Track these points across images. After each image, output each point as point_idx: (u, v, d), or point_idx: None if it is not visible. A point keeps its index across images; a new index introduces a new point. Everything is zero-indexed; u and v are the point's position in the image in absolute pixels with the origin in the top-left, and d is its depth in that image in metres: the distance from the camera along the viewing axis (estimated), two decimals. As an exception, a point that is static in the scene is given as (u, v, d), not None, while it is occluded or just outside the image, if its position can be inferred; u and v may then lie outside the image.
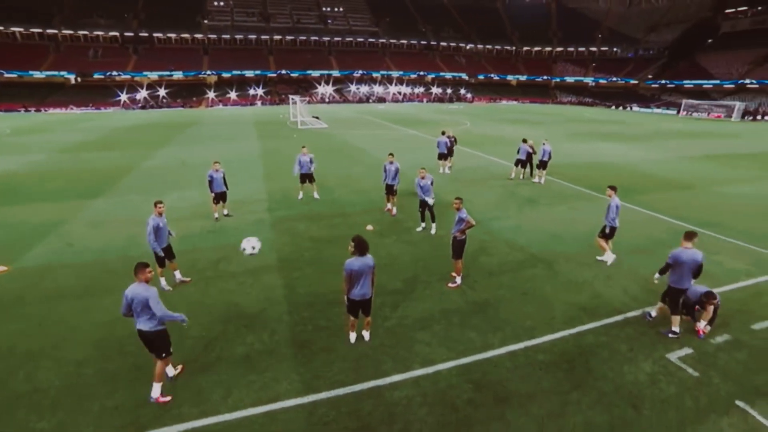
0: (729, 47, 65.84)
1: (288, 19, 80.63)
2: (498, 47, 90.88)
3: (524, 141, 16.51)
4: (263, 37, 76.30)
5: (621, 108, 65.79)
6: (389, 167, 11.84)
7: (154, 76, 65.48)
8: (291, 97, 42.29)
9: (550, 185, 15.86)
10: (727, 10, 70.60)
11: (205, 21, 74.52)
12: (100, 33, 67.41)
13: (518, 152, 16.48)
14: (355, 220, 11.63)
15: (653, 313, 6.93)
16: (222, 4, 78.57)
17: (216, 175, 11.09)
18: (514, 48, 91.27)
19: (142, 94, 60.07)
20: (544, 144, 16.42)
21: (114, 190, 14.80)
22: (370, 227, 10.95)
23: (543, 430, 4.72)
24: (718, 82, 61.46)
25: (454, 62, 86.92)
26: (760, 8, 65.87)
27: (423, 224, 10.92)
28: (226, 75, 69.70)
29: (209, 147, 23.60)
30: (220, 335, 6.36)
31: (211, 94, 62.74)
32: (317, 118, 38.06)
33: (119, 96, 58.00)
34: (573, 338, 6.41)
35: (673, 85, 67.65)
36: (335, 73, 74.61)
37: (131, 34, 69.46)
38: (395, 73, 78.16)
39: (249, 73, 69.76)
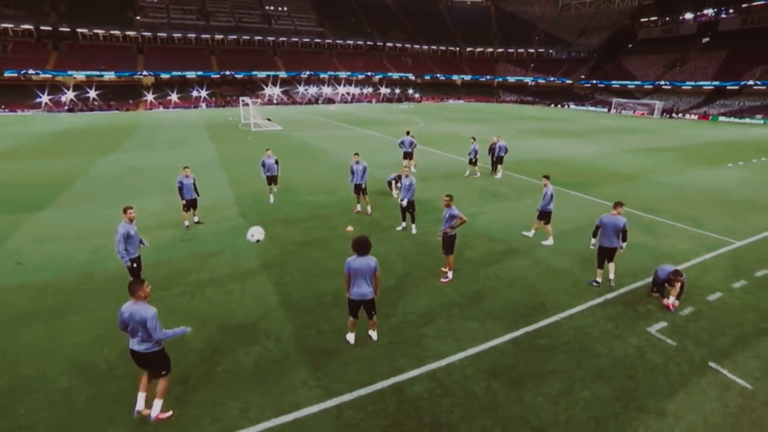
0: (646, 52, 72.82)
1: (229, 18, 77.46)
2: (443, 48, 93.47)
3: (473, 140, 17.19)
4: (204, 36, 72.70)
5: (560, 106, 70.44)
6: (356, 167, 11.86)
7: (81, 76, 60.01)
8: (241, 99, 40.79)
9: (511, 180, 16.71)
10: (642, 19, 77.98)
11: (138, 17, 69.61)
12: (8, 25, 60.44)
13: (470, 153, 16.98)
14: (332, 222, 11.56)
15: (599, 279, 8.05)
16: (155, 0, 73.81)
17: (186, 182, 10.54)
18: (457, 49, 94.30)
19: (69, 95, 54.86)
20: (498, 140, 17.30)
21: (61, 201, 13.51)
22: (350, 228, 10.94)
23: (558, 407, 5.06)
24: (639, 82, 67.77)
25: (400, 62, 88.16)
26: (667, 19, 73.55)
27: (404, 223, 11.08)
28: (164, 76, 65.52)
29: (161, 152, 22.19)
30: (222, 347, 6.10)
31: (149, 97, 58.69)
32: (270, 120, 37.05)
33: (40, 97, 52.49)
34: (565, 321, 6.88)
35: (603, 85, 73.55)
36: (282, 74, 72.78)
37: (49, 28, 63.01)
38: (343, 74, 77.80)
39: (190, 74, 66.16)
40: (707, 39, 66.31)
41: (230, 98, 64.15)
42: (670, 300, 7.27)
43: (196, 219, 11.25)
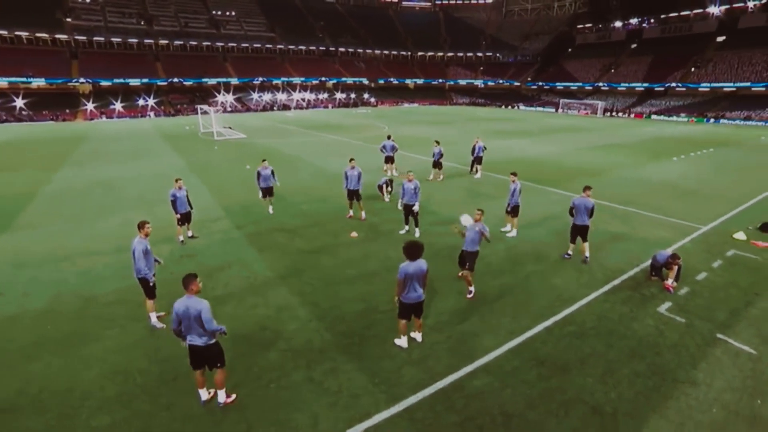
0: (584, 56, 78.49)
1: (174, 22, 73.87)
2: (395, 52, 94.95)
3: (437, 143, 17.57)
4: (147, 41, 68.78)
5: (510, 107, 73.92)
6: (351, 172, 11.88)
7: (2, 82, 54.62)
8: (199, 107, 39.10)
9: (490, 179, 17.43)
10: (578, 26, 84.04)
11: (68, 19, 64.47)
12: None
13: (434, 155, 17.18)
14: (331, 229, 11.49)
15: (570, 252, 9.38)
16: (88, 1, 68.74)
17: (179, 194, 10.08)
18: (409, 53, 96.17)
19: (-10, 105, 49.71)
20: (477, 141, 18.02)
21: (25, 220, 12.33)
22: (354, 234, 10.97)
23: (607, 386, 5.47)
24: (580, 84, 72.83)
25: (354, 67, 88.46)
26: (600, 26, 79.83)
27: (407, 227, 11.25)
28: (104, 83, 61.14)
29: (123, 165, 20.77)
30: (266, 364, 5.94)
31: (89, 106, 54.51)
32: (230, 128, 35.83)
33: (-46, 107, 47.16)
34: (585, 309, 7.39)
35: (548, 87, 78.20)
36: (234, 81, 70.53)
37: (-42, 29, 56.81)
38: (296, 80, 76.78)
39: (134, 82, 62.22)
40: (635, 45, 72.66)
41: (181, 106, 61.22)
42: (669, 282, 8.02)
43: (190, 233, 10.77)
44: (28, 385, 5.55)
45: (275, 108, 65.92)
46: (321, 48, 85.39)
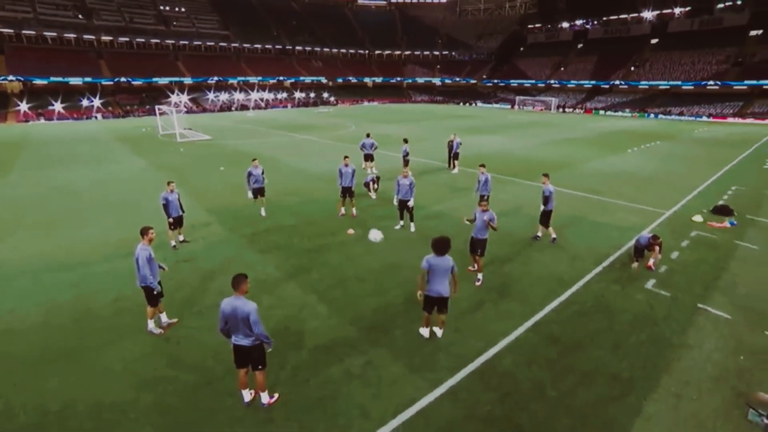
0: (536, 54, 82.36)
1: (117, 17, 69.41)
2: (352, 51, 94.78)
3: (405, 141, 18.10)
4: (87, 36, 64.15)
5: (468, 104, 76.11)
6: (345, 170, 12.01)
7: None
8: (157, 107, 37.21)
9: (467, 174, 18.08)
10: (529, 26, 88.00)
11: (-10, 11, 58.68)
12: None
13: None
14: (327, 227, 11.55)
15: (539, 234, 10.40)
16: (13, -10, 62.89)
17: (171, 197, 9.77)
18: (367, 52, 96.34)
19: None
20: (454, 138, 18.67)
21: (-11, 235, 11.37)
22: (351, 231, 11.11)
23: (618, 356, 6.07)
24: (533, 81, 76.37)
25: (311, 66, 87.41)
26: (549, 26, 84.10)
27: (401, 222, 11.53)
28: (39, 82, 56.40)
29: (82, 169, 19.46)
30: (299, 361, 6.02)
31: (22, 106, 50.12)
32: (191, 129, 34.43)
33: None
34: (583, 290, 8.04)
35: (503, 84, 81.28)
36: (187, 81, 67.56)
37: None
38: (253, 79, 74.74)
39: (75, 80, 57.82)
40: (581, 45, 77.21)
41: (131, 108, 57.81)
42: (651, 261, 8.87)
43: (181, 238, 10.46)
44: (48, 402, 5.31)
45: (233, 108, 63.82)
46: (277, 47, 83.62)
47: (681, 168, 19.89)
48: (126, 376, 5.73)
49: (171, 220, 9.83)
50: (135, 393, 5.43)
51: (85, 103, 53.77)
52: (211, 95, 64.23)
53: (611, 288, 8.09)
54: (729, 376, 5.79)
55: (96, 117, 53.24)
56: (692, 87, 57.52)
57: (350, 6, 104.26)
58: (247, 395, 5.20)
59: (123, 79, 62.33)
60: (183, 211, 10.12)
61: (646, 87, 62.21)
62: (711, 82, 55.74)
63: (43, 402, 5.29)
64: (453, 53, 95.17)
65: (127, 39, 67.53)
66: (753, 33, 58.47)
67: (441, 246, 5.98)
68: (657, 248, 8.76)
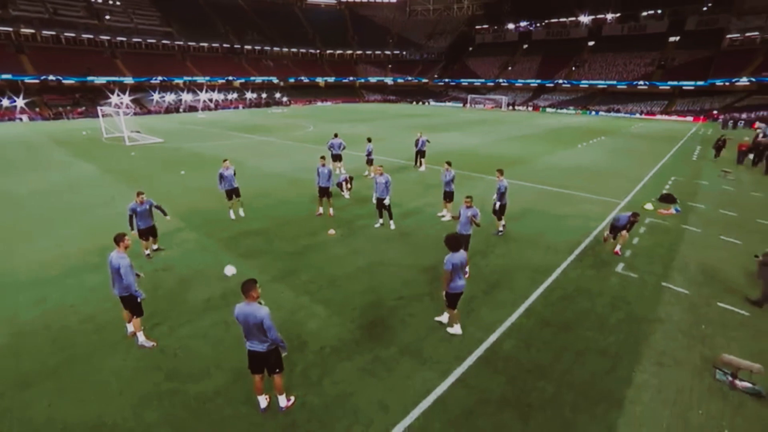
0: (484, 54, 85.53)
1: (40, 8, 63.42)
2: (303, 50, 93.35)
3: (369, 140, 18.33)
4: (2, 28, 58.01)
5: (422, 103, 77.53)
6: (321, 170, 12.00)
7: None
8: (100, 108, 34.61)
9: (435, 171, 18.54)
10: (477, 26, 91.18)
11: None
12: None
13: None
14: (307, 228, 11.44)
15: (501, 228, 10.83)
16: None
17: (140, 209, 9.19)
18: (318, 51, 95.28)
19: None
20: (420, 136, 19.11)
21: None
22: (332, 231, 11.09)
23: (605, 334, 6.61)
24: (483, 80, 79.28)
25: (262, 66, 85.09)
26: (496, 27, 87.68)
27: (381, 220, 11.67)
28: (-55, 79, 50.44)
29: (18, 176, 17.68)
30: (307, 363, 6.00)
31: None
32: (139, 132, 32.40)
33: None
34: (562, 276, 8.62)
35: (454, 83, 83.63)
36: (128, 80, 63.36)
37: None
38: (201, 79, 71.53)
39: (-10, 79, 52.30)
40: (526, 46, 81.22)
41: (64, 109, 53.23)
42: (617, 248, 9.67)
43: (155, 246, 9.92)
44: (41, 427, 4.92)
45: (181, 110, 60.65)
46: (225, 46, 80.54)
47: (627, 161, 21.65)
48: (124, 394, 5.43)
49: (135, 232, 9.21)
50: (137, 410, 5.16)
51: (5, 103, 48.77)
52: (156, 96, 60.63)
53: (587, 273, 8.74)
54: (695, 343, 6.51)
55: (20, 119, 48.50)
56: (626, 86, 62.51)
57: (299, 4, 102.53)
58: (263, 401, 5.12)
59: (51, 77, 57.27)
60: (153, 222, 9.54)
61: (587, 86, 66.73)
62: (641, 83, 60.87)
63: (36, 428, 4.90)
64: (404, 53, 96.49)
65: (53, 33, 62.01)
66: (672, 39, 64.60)
67: (457, 243, 6.19)
68: (625, 231, 9.51)
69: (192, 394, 5.40)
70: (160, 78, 66.42)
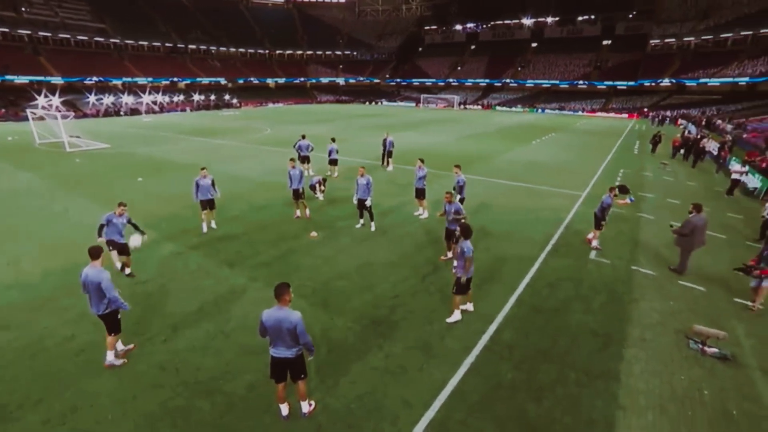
0: (434, 54, 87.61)
1: (-53, 1, 56.65)
2: (251, 50, 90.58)
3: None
4: None
5: (375, 103, 77.97)
6: (293, 172, 11.84)
7: None
8: (30, 111, 31.53)
9: (402, 170, 18.85)
10: (425, 27, 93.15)
11: None
12: None
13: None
14: (287, 231, 11.22)
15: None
16: None
17: (117, 221, 8.55)
18: (267, 51, 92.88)
19: None
20: (387, 136, 19.33)
21: None
22: (314, 234, 10.99)
23: (593, 315, 7.15)
24: (434, 80, 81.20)
25: (208, 66, 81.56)
26: (444, 28, 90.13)
27: (362, 221, 11.70)
28: None
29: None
30: (319, 366, 5.97)
31: None
32: (79, 137, 29.94)
33: None
34: (544, 266, 9.18)
35: (405, 83, 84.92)
36: (57, 80, 58.20)
37: None
38: (142, 80, 67.29)
39: None
40: (474, 46, 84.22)
41: (-19, 113, 47.84)
42: (590, 235, 10.40)
43: (128, 271, 9.11)
44: None
45: (122, 113, 56.67)
46: (167, 44, 76.22)
47: (579, 155, 23.21)
48: (130, 416, 5.11)
49: (110, 247, 8.61)
50: (154, 429, 4.89)
51: None
52: (92, 98, 56.14)
53: (566, 262, 9.36)
54: (667, 317, 7.22)
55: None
56: (567, 86, 66.76)
57: (244, 3, 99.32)
58: (285, 409, 5.05)
59: (-39, 77, 51.31)
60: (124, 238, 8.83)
61: (532, 85, 70.47)
62: (581, 82, 65.30)
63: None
64: (355, 53, 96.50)
65: (-38, 28, 55.61)
66: (605, 42, 69.87)
67: (471, 231, 6.63)
68: (597, 231, 10.18)
69: (206, 409, 5.20)
70: (95, 78, 61.70)
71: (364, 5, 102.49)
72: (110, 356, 6.00)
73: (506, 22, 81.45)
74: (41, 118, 30.97)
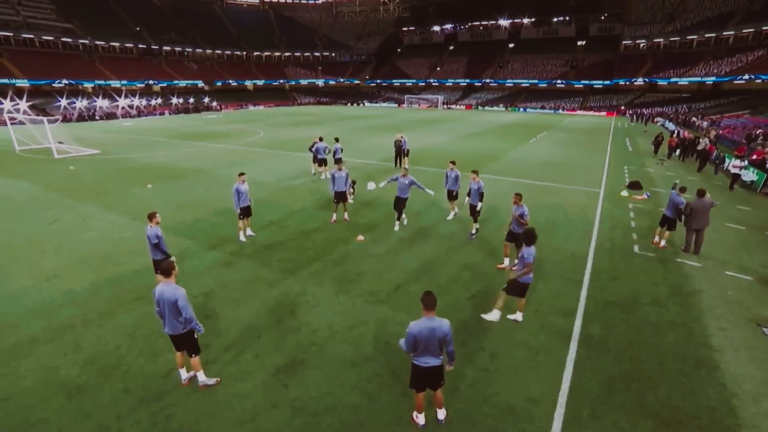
0: (413, 55, 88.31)
1: None
2: (228, 52, 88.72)
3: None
4: None
5: (357, 104, 77.79)
6: (339, 174, 11.61)
7: None
8: (8, 116, 29.68)
9: (416, 172, 18.96)
10: (404, 28, 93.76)
11: None
12: None
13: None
14: (333, 236, 11.06)
15: (473, 231, 10.87)
16: None
17: (153, 232, 8.11)
18: (245, 53, 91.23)
19: None
20: (401, 138, 19.42)
21: None
22: (361, 237, 10.92)
23: (663, 306, 7.46)
24: (414, 81, 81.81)
25: (184, 68, 79.36)
26: (422, 29, 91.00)
27: (398, 222, 11.68)
28: None
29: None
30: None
31: None
32: (62, 143, 28.48)
33: None
34: (597, 261, 9.50)
35: (386, 84, 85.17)
36: (21, 83, 55.20)
37: None
38: (116, 83, 64.81)
39: None
40: (453, 47, 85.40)
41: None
42: (656, 239, 10.65)
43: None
44: None
45: (97, 117, 54.22)
46: (141, 46, 73.62)
47: (579, 152, 23.96)
48: None
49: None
50: (283, 445, 4.76)
51: None
52: (63, 101, 53.43)
53: (613, 257, 9.70)
54: (733, 306, 7.61)
55: None
56: (546, 85, 68.72)
57: (219, 3, 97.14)
58: (422, 418, 5.02)
59: None
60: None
61: (512, 85, 72.13)
62: (559, 81, 67.37)
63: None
64: (334, 54, 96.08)
65: None
66: (580, 43, 72.37)
67: (534, 237, 6.69)
68: (667, 232, 10.42)
69: (337, 426, 5.03)
70: (65, 81, 58.85)
71: (341, 7, 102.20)
72: (202, 377, 5.73)
73: (483, 23, 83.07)
74: (21, 123, 29.18)
